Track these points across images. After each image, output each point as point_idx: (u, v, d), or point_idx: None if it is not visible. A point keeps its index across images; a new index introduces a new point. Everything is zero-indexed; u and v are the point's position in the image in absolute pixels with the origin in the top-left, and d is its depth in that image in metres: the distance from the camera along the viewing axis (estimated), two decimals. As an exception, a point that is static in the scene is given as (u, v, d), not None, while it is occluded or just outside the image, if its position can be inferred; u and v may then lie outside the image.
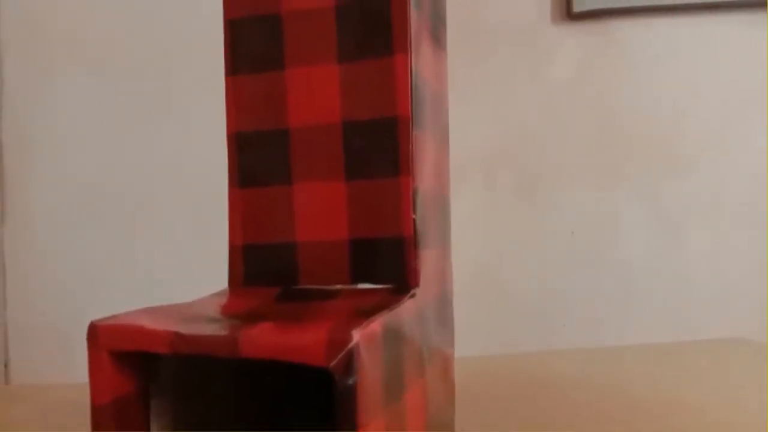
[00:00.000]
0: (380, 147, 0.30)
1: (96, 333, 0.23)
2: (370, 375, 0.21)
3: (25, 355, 0.93)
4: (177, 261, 0.92)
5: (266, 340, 0.21)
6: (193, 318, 0.24)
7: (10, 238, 0.92)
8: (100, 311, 0.94)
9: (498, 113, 0.93)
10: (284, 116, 0.31)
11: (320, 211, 0.31)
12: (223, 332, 0.21)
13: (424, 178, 0.32)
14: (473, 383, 0.52)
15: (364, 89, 0.30)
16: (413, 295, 0.29)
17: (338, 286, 0.30)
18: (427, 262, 0.32)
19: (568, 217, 0.92)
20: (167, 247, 0.93)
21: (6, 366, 0.94)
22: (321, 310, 0.26)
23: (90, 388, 0.22)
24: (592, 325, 0.92)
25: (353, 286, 0.31)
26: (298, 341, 0.21)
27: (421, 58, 0.32)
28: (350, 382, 0.20)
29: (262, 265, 0.31)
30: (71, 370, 0.90)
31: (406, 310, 0.27)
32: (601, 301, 0.92)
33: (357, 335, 0.20)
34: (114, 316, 0.23)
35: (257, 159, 0.32)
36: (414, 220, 0.30)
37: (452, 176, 0.94)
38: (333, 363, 0.20)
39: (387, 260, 0.30)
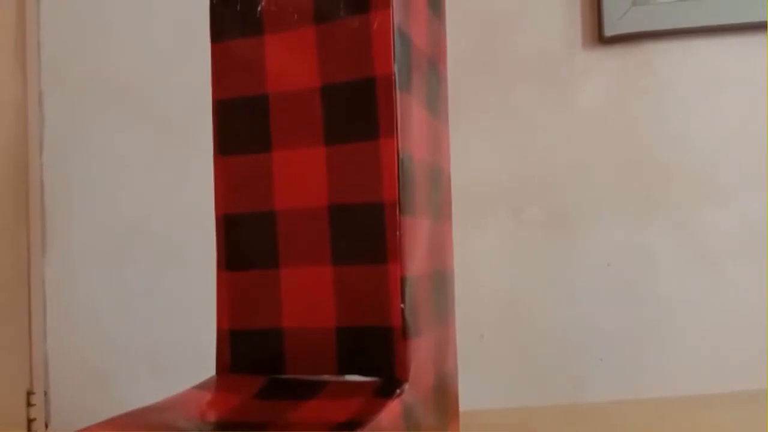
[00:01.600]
0: (367, 233, 0.29)
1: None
2: None
3: (63, 384, 0.95)
4: (208, 297, 0.92)
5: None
6: (162, 428, 0.24)
7: (51, 272, 0.95)
8: (136, 341, 0.95)
9: (525, 143, 0.90)
10: (271, 198, 0.30)
11: (307, 297, 0.30)
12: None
13: (416, 262, 0.30)
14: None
15: (351, 172, 0.29)
16: (401, 393, 0.27)
17: (325, 377, 0.29)
18: (420, 349, 0.30)
19: (601, 252, 0.88)
20: (199, 284, 0.93)
21: (46, 394, 0.96)
22: (295, 419, 0.25)
23: None
24: (628, 364, 0.88)
25: (340, 378, 0.29)
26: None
27: (413, 137, 0.30)
28: None
29: (249, 351, 0.30)
30: (107, 399, 0.92)
31: (388, 417, 0.26)
32: (636, 339, 0.88)
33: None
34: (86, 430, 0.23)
35: (244, 242, 0.31)
36: (402, 309, 0.28)
37: (477, 209, 0.91)
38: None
39: (375, 351, 0.29)
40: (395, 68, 0.28)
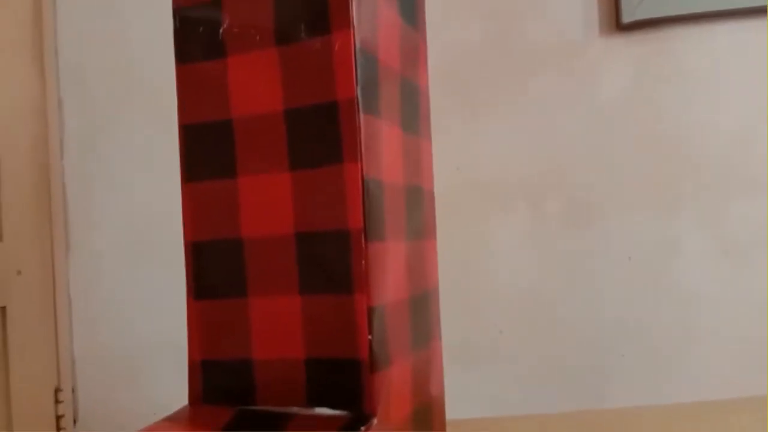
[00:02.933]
0: (333, 262, 0.28)
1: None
2: None
3: (90, 382, 0.97)
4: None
5: None
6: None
7: (75, 271, 0.96)
8: (161, 337, 0.96)
9: (544, 133, 0.87)
10: (238, 226, 0.30)
11: (276, 327, 0.29)
12: None
13: (387, 290, 0.29)
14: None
15: (316, 199, 0.28)
16: (366, 430, 0.27)
17: (294, 409, 0.29)
18: (393, 380, 0.29)
19: (624, 245, 0.86)
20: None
21: (73, 392, 0.99)
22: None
23: None
24: (651, 360, 0.86)
25: (309, 411, 0.29)
26: None
27: (382, 160, 0.29)
28: None
29: (220, 382, 0.30)
30: (135, 395, 0.94)
31: (348, 457, 0.25)
32: (660, 334, 0.86)
33: None
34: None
35: (212, 270, 0.30)
36: (370, 341, 0.28)
37: (495, 202, 0.90)
38: None
39: (343, 383, 0.28)
40: (358, 91, 0.27)
